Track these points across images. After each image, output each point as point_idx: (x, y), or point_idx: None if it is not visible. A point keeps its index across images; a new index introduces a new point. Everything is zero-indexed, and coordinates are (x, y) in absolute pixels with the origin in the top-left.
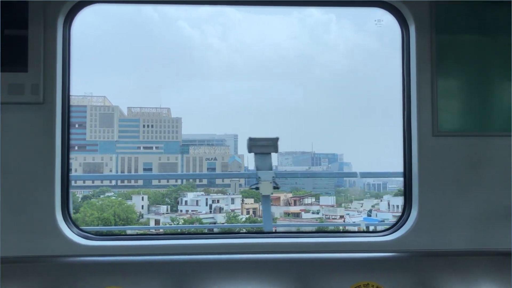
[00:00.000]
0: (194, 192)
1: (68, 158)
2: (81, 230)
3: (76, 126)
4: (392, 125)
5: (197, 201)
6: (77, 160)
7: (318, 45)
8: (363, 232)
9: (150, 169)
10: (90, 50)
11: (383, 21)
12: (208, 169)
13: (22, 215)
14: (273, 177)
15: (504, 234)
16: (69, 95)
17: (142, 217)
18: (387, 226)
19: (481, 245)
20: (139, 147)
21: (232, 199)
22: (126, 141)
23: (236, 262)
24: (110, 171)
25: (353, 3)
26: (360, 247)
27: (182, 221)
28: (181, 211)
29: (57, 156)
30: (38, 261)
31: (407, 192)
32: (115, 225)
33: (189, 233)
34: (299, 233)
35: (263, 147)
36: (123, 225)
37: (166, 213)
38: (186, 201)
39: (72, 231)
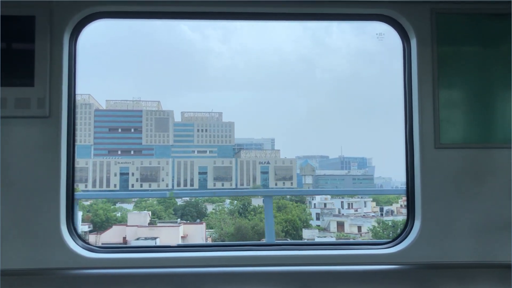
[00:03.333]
0: (320, 195)
1: (73, 171)
2: (85, 242)
3: (132, 130)
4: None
5: (324, 203)
6: (134, 164)
7: (319, 48)
8: (366, 244)
9: (205, 173)
10: (94, 56)
11: (384, 35)
12: (261, 172)
13: (27, 227)
14: None
15: (507, 246)
16: (74, 109)
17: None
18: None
19: (484, 257)
20: (193, 151)
21: (365, 202)
22: (181, 145)
23: (238, 275)
24: (167, 175)
25: (354, 17)
26: (363, 259)
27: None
28: (343, 214)
29: (63, 169)
30: (43, 273)
31: (409, 204)
32: (299, 227)
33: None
34: (302, 245)
35: None
36: (304, 227)
37: (342, 215)
38: (314, 204)
39: (76, 243)
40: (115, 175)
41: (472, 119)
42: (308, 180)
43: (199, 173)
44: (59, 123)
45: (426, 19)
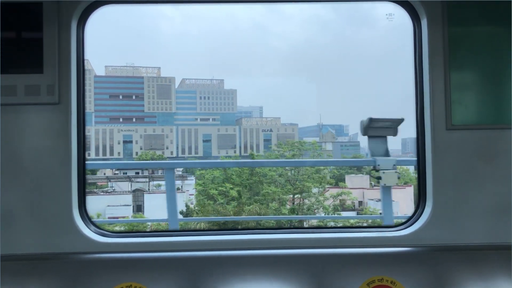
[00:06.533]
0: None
1: (84, 157)
2: (98, 227)
3: (133, 97)
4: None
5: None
6: (137, 132)
7: (273, 15)
8: (378, 227)
9: (209, 141)
10: None
11: (394, 15)
12: (264, 140)
13: (40, 213)
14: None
15: None
16: (83, 95)
17: None
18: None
19: (496, 238)
20: (196, 119)
21: None
22: (184, 112)
23: (249, 258)
24: (171, 142)
25: None
26: (374, 242)
27: None
28: None
29: (73, 155)
30: (56, 258)
31: (421, 186)
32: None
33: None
34: (313, 228)
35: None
36: None
37: None
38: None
39: (89, 228)
40: (119, 143)
41: (484, 100)
42: (329, 147)
43: (203, 141)
44: (69, 109)
45: None
